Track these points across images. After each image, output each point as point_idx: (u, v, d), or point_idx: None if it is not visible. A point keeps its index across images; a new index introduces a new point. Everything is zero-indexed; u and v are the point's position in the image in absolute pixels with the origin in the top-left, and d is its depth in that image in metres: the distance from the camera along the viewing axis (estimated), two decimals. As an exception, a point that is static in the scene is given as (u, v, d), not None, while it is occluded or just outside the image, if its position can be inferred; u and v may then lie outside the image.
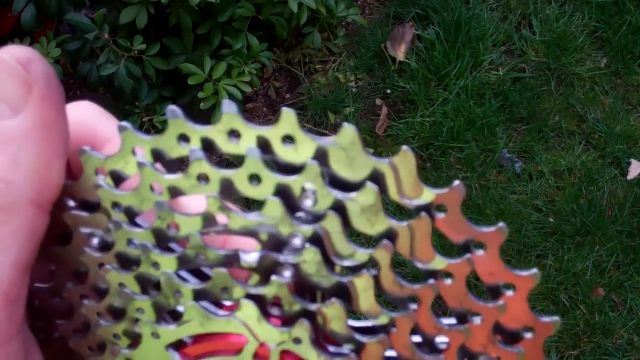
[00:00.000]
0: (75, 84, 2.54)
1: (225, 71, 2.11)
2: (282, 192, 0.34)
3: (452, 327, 0.35)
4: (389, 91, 2.58)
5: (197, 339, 0.38)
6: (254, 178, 0.33)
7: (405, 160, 0.33)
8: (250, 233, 0.35)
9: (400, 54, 2.61)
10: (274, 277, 0.35)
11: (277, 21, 2.26)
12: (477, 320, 0.35)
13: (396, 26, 2.70)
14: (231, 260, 0.35)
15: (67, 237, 0.37)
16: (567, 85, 2.56)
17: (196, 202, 0.36)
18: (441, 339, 0.36)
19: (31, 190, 0.32)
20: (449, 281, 0.34)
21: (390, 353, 0.36)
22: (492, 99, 2.51)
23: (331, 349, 0.37)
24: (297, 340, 0.36)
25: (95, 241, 0.36)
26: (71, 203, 0.36)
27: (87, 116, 0.39)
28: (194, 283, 0.36)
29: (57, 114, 0.33)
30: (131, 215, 0.36)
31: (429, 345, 0.36)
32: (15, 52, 0.32)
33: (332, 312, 0.35)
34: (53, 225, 0.35)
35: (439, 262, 0.34)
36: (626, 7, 2.69)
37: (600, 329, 2.08)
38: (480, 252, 0.34)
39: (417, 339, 0.36)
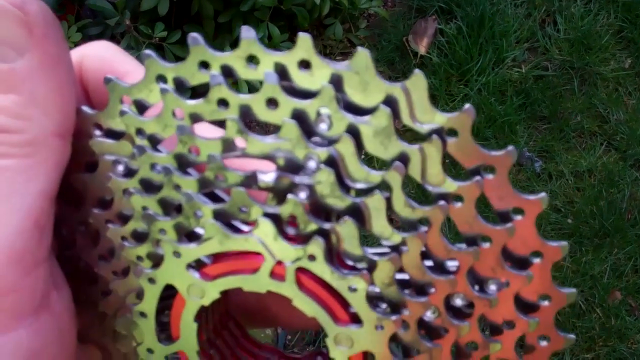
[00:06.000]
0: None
1: (245, 61, 2.10)
2: (298, 117, 0.35)
3: (461, 249, 0.36)
4: (409, 85, 2.56)
5: (216, 259, 0.39)
6: (272, 102, 0.35)
7: (417, 83, 0.34)
8: (268, 158, 0.36)
9: (422, 48, 2.58)
10: (290, 196, 0.36)
11: (299, 12, 2.24)
12: (486, 244, 0.36)
13: (419, 20, 2.67)
14: (249, 181, 0.36)
15: (93, 166, 0.38)
16: (590, 85, 2.53)
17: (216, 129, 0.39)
18: (451, 263, 0.37)
19: (51, 122, 0.35)
20: (459, 204, 0.35)
21: (402, 276, 0.37)
22: (513, 97, 2.49)
23: (344, 269, 0.38)
24: (311, 258, 0.37)
25: (120, 168, 0.38)
26: (97, 132, 0.38)
27: (105, 53, 0.41)
28: (213, 204, 0.37)
29: (60, 47, 0.35)
30: (154, 142, 0.37)
31: (439, 268, 0.37)
32: None
33: (346, 231, 0.36)
34: (80, 154, 0.38)
35: (450, 185, 0.35)
36: (653, 7, 2.65)
37: (616, 333, 2.07)
38: (490, 176, 0.35)
39: (428, 263, 0.37)
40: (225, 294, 0.41)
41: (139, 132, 0.37)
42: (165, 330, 0.42)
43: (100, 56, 0.41)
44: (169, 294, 0.41)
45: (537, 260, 0.36)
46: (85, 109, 0.38)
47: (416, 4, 2.71)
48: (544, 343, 0.38)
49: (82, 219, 0.40)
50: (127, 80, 0.38)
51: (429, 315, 0.38)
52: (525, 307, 0.37)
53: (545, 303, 0.37)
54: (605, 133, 2.43)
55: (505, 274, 0.36)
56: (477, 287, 0.37)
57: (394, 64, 2.61)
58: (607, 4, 2.69)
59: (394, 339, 0.38)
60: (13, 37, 0.34)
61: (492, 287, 0.37)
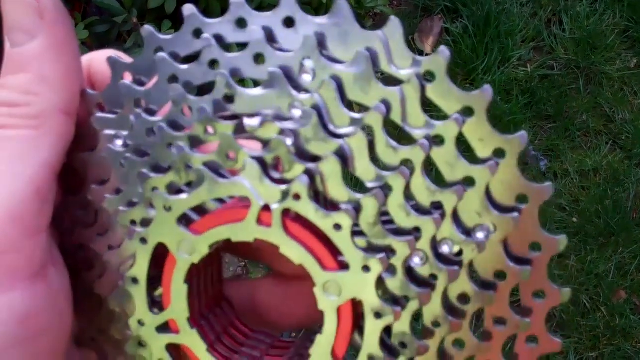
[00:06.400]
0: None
1: (252, 58, 2.10)
2: (283, 69, 0.37)
3: (445, 189, 0.36)
4: (414, 84, 2.56)
5: (204, 215, 0.40)
6: (259, 58, 0.37)
7: (393, 29, 0.35)
8: (256, 114, 0.37)
9: (428, 46, 2.58)
10: (274, 137, 0.36)
11: (304, 10, 2.24)
12: (470, 188, 0.36)
13: (424, 19, 2.67)
14: (237, 128, 0.37)
15: (94, 147, 0.40)
16: (596, 85, 2.53)
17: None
18: (436, 209, 0.37)
19: (58, 99, 0.38)
20: (440, 145, 0.36)
21: (387, 219, 0.37)
22: (519, 96, 2.49)
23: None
24: (296, 197, 0.37)
25: (119, 142, 0.40)
26: (99, 113, 0.40)
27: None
28: (201, 155, 0.38)
29: (68, 33, 0.38)
30: (151, 112, 0.39)
31: (421, 208, 0.37)
32: None
33: (329, 168, 0.36)
34: (82, 139, 0.40)
35: (429, 125, 0.36)
36: (659, 6, 2.65)
37: (621, 332, 2.06)
38: (469, 119, 0.35)
39: (412, 205, 0.37)
40: (218, 282, 0.42)
41: (137, 103, 0.39)
42: (157, 303, 0.42)
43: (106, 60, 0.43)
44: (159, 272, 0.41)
45: (523, 206, 0.36)
46: (89, 91, 0.40)
47: (422, 3, 2.71)
48: (539, 301, 0.38)
49: (82, 202, 0.41)
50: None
51: (416, 262, 0.37)
52: (516, 260, 0.37)
53: (537, 254, 0.37)
54: (610, 132, 2.43)
55: (490, 218, 0.36)
56: (464, 235, 0.37)
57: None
58: (612, 3, 2.68)
59: (381, 285, 0.38)
60: (25, 22, 0.37)
61: (480, 234, 0.37)
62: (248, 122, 0.37)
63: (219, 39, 0.38)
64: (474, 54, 2.53)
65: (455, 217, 0.37)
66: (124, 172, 0.40)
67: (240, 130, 0.37)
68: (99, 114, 0.40)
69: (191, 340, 0.42)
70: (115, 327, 0.42)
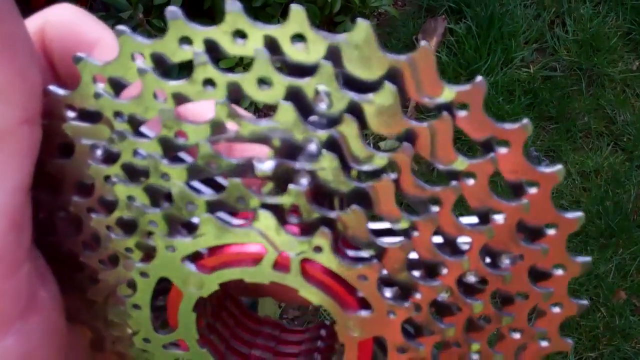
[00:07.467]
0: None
1: (256, 56, 2.11)
2: (294, 95, 0.32)
3: (474, 227, 0.34)
4: (417, 84, 2.57)
5: (214, 250, 0.37)
6: (264, 81, 0.31)
7: (424, 56, 0.31)
8: (262, 139, 0.33)
9: (432, 47, 2.59)
10: (291, 186, 0.33)
11: (310, 8, 2.25)
12: (499, 220, 0.34)
13: (428, 19, 2.68)
14: (245, 169, 0.34)
15: (68, 149, 0.35)
16: (598, 86, 2.54)
17: (206, 107, 0.34)
18: (463, 239, 0.35)
19: (16, 110, 0.30)
20: (471, 181, 0.33)
21: (412, 255, 0.35)
22: (521, 97, 2.50)
23: (350, 253, 0.36)
24: (317, 249, 0.35)
25: (99, 152, 0.34)
26: (70, 114, 0.34)
27: (70, 18, 0.36)
28: (207, 194, 0.35)
29: (15, 25, 0.30)
30: (135, 124, 0.33)
31: (450, 245, 0.35)
32: None
33: (353, 219, 0.34)
34: (52, 136, 0.34)
35: (461, 163, 0.33)
36: (662, 9, 2.66)
37: (620, 332, 2.07)
38: (503, 150, 0.32)
39: (438, 239, 0.35)
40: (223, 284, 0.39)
41: (117, 114, 0.33)
42: (161, 318, 0.40)
43: (65, 22, 0.36)
44: (164, 283, 0.38)
45: (551, 232, 0.34)
46: (54, 89, 0.33)
47: (426, 4, 2.72)
48: (556, 309, 0.37)
49: (61, 204, 0.36)
50: (98, 50, 0.35)
51: (441, 296, 0.36)
52: (539, 275, 0.36)
53: (560, 272, 0.35)
54: (612, 134, 2.44)
55: (518, 248, 0.35)
56: (489, 261, 0.35)
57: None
58: (615, 6, 2.69)
59: (405, 320, 0.37)
60: None
61: (506, 262, 0.35)
62: (260, 166, 0.33)
63: (212, 48, 0.32)
64: (477, 55, 2.55)
65: (483, 251, 0.35)
66: (110, 191, 0.35)
67: (249, 173, 0.34)
68: (73, 122, 0.34)
69: (201, 357, 0.40)
70: (115, 328, 0.40)
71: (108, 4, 2.13)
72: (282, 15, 2.22)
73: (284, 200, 0.34)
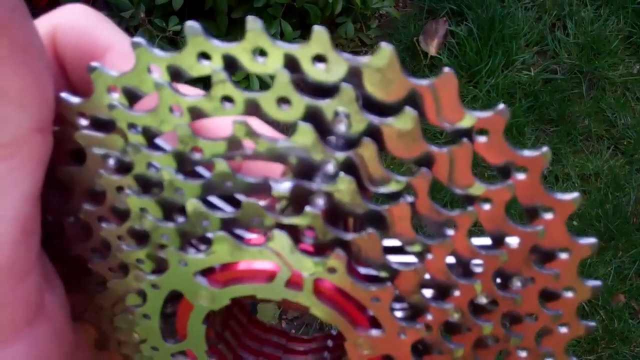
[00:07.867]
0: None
1: (257, 56, 2.11)
2: (313, 115, 0.32)
3: (488, 251, 0.34)
4: (418, 85, 2.57)
5: (226, 265, 0.36)
6: (283, 101, 0.31)
7: (447, 81, 0.31)
8: (278, 158, 0.33)
9: (432, 48, 2.60)
10: (308, 209, 0.33)
11: (311, 9, 2.26)
12: (513, 244, 0.34)
13: (429, 21, 2.69)
14: (261, 189, 0.34)
15: (79, 156, 0.34)
16: (599, 90, 2.54)
17: (222, 122, 0.34)
18: (476, 261, 0.35)
19: (29, 118, 0.30)
20: (487, 207, 0.33)
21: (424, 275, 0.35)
22: (522, 99, 2.50)
23: (362, 270, 0.36)
24: (331, 270, 0.34)
25: (111, 162, 0.34)
26: (83, 122, 0.33)
27: (82, 22, 0.36)
28: (222, 212, 0.34)
29: (28, 31, 0.29)
30: (150, 136, 0.33)
31: (462, 267, 0.35)
32: None
33: (368, 242, 0.34)
34: (63, 144, 0.33)
35: (478, 188, 0.33)
36: (663, 13, 2.66)
37: (619, 335, 2.07)
38: (521, 177, 0.32)
39: (450, 259, 0.35)
40: None
41: (132, 126, 0.33)
42: (170, 328, 0.40)
43: (77, 26, 0.35)
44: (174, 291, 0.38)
45: (564, 256, 0.34)
46: (67, 96, 0.33)
47: (427, 5, 2.72)
48: (564, 330, 0.37)
49: (70, 210, 0.36)
50: (111, 54, 0.35)
51: (452, 317, 0.36)
52: (548, 296, 0.36)
53: (570, 294, 0.35)
54: (612, 137, 2.44)
55: (530, 272, 0.35)
56: (499, 281, 0.35)
57: (404, 64, 2.61)
58: (617, 9, 2.70)
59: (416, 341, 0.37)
60: None
61: (517, 284, 0.35)
62: (277, 187, 0.33)
63: (231, 64, 0.31)
64: (477, 57, 2.55)
65: (495, 273, 0.35)
66: (122, 201, 0.35)
67: (265, 193, 0.34)
68: (85, 131, 0.33)
69: None
70: (122, 334, 0.40)
71: (110, 3, 2.14)
72: (283, 16, 2.22)
73: (300, 221, 0.33)
